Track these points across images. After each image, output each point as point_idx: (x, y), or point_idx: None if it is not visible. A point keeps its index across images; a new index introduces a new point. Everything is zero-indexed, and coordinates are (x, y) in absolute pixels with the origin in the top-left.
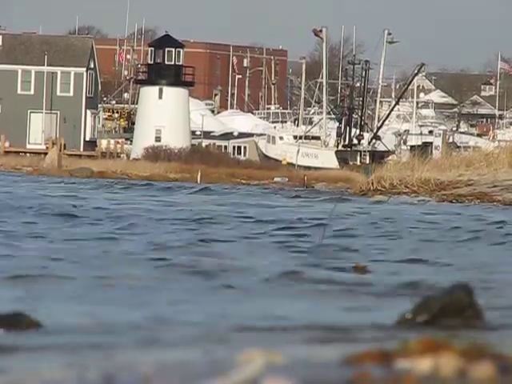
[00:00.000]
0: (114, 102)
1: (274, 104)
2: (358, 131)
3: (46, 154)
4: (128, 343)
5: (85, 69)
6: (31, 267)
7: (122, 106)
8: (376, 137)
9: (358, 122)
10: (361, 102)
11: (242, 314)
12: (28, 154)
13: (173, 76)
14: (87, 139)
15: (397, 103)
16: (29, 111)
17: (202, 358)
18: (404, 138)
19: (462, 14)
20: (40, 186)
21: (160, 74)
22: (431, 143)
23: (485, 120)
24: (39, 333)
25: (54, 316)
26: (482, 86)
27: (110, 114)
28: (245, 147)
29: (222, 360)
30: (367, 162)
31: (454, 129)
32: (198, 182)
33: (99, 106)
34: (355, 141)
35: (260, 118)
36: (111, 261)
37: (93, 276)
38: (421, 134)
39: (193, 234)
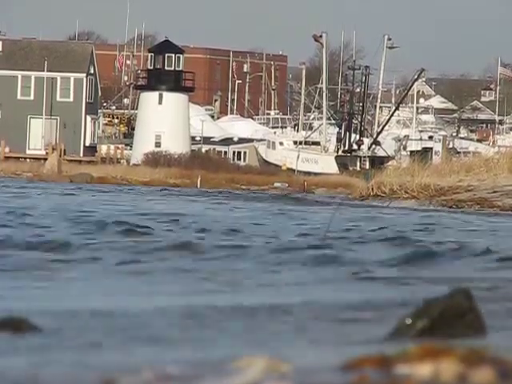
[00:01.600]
0: (113, 107)
1: (274, 109)
2: (357, 136)
3: (45, 159)
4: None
5: (85, 74)
6: None
7: (122, 111)
8: (376, 142)
9: (358, 128)
10: (361, 108)
11: None
12: (28, 160)
13: (173, 81)
14: (87, 145)
15: (397, 108)
16: (29, 117)
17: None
18: (404, 143)
19: (462, 20)
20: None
21: (160, 80)
22: (431, 148)
23: (485, 125)
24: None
25: None
26: (482, 92)
27: (109, 119)
28: (245, 152)
29: (221, 364)
30: (367, 167)
31: (454, 134)
32: (198, 187)
33: (99, 111)
34: (355, 146)
35: (260, 123)
36: None
37: None
38: (421, 139)
39: None
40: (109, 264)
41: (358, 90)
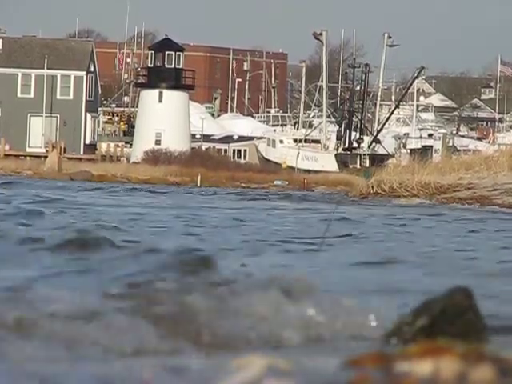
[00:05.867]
0: (113, 105)
1: (274, 107)
2: (357, 134)
3: (46, 157)
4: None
5: (85, 72)
6: None
7: (122, 109)
8: (376, 140)
9: (358, 126)
10: (361, 106)
11: None
12: (28, 158)
13: (173, 79)
14: (87, 143)
15: (397, 106)
16: (29, 115)
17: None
18: (404, 141)
19: (462, 18)
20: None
21: (160, 78)
22: (431, 146)
23: (485, 123)
24: None
25: None
26: (482, 90)
27: (109, 117)
28: (245, 150)
29: (220, 363)
30: (367, 165)
31: (454, 132)
32: (198, 185)
33: (99, 109)
34: (355, 144)
35: (260, 121)
36: None
37: None
38: (421, 137)
39: None
40: None
41: (358, 87)
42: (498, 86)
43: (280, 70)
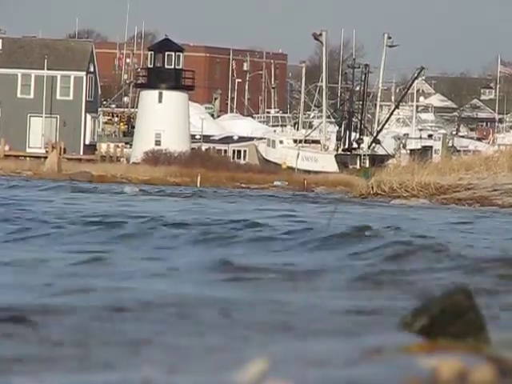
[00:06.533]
0: (113, 105)
1: (274, 108)
2: (357, 135)
3: (45, 157)
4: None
5: (84, 73)
6: None
7: (122, 109)
8: (376, 141)
9: (358, 126)
10: (360, 106)
11: None
12: (28, 158)
13: (173, 80)
14: (87, 143)
15: (396, 107)
16: (28, 115)
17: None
18: (403, 141)
19: (462, 18)
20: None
21: (160, 78)
22: (431, 147)
23: (484, 124)
24: None
25: None
26: (482, 90)
27: (109, 117)
28: (245, 151)
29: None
30: (367, 165)
31: (454, 133)
32: (198, 185)
33: (99, 109)
34: (355, 145)
35: (260, 121)
36: None
37: None
38: (420, 137)
39: None
40: None
41: (358, 88)
42: (498, 86)
43: (280, 70)
